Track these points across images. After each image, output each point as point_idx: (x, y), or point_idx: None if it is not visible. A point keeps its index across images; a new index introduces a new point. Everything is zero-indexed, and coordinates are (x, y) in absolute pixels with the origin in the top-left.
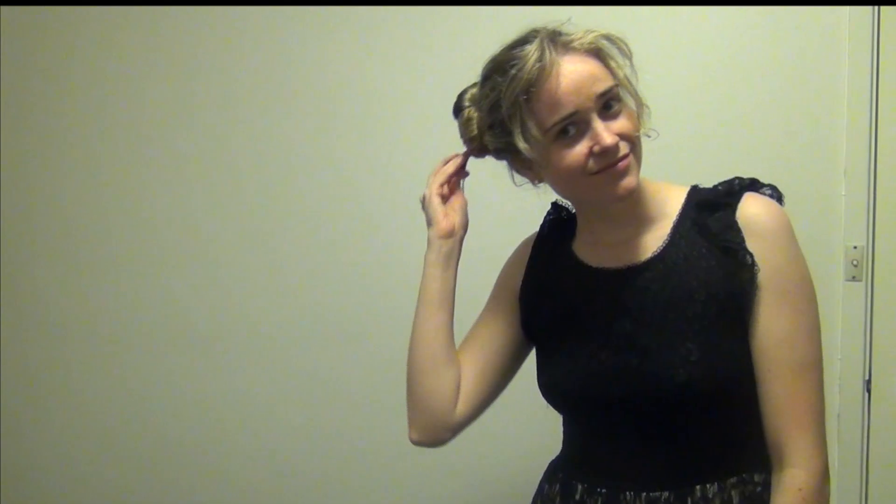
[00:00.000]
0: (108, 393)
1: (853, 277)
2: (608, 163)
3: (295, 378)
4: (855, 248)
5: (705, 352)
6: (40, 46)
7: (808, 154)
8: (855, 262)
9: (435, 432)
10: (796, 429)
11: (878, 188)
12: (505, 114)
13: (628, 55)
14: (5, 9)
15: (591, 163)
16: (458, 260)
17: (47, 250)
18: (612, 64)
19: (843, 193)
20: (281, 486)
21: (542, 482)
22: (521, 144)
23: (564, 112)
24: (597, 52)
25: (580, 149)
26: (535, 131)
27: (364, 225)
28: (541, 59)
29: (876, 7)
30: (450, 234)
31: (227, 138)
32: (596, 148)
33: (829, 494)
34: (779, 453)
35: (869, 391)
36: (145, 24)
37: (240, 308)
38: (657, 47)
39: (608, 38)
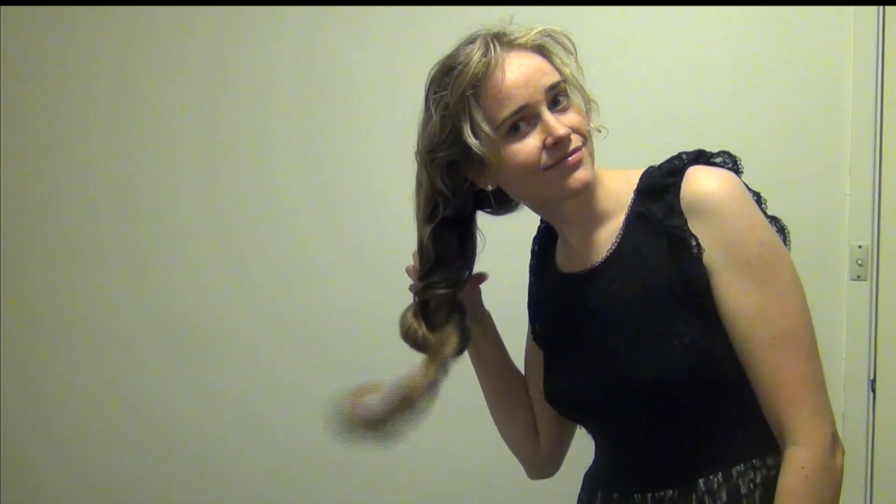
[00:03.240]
0: (109, 392)
1: (858, 277)
2: (561, 155)
3: (298, 376)
4: (860, 247)
5: (670, 345)
6: (40, 46)
7: (813, 153)
8: (860, 262)
9: (538, 470)
10: (789, 405)
11: (882, 187)
12: (452, 110)
13: (572, 51)
14: (5, 9)
15: (544, 157)
16: (482, 332)
17: (47, 249)
18: (557, 61)
19: (848, 192)
20: (284, 485)
21: (579, 493)
22: (471, 140)
23: (514, 106)
24: (540, 49)
25: (532, 142)
26: (485, 126)
27: (368, 223)
28: (486, 54)
29: (881, 7)
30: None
31: (229, 137)
32: (548, 140)
33: (840, 467)
34: (779, 433)
35: (874, 391)
36: (145, 25)
37: (242, 307)
38: (661, 46)
39: (551, 35)
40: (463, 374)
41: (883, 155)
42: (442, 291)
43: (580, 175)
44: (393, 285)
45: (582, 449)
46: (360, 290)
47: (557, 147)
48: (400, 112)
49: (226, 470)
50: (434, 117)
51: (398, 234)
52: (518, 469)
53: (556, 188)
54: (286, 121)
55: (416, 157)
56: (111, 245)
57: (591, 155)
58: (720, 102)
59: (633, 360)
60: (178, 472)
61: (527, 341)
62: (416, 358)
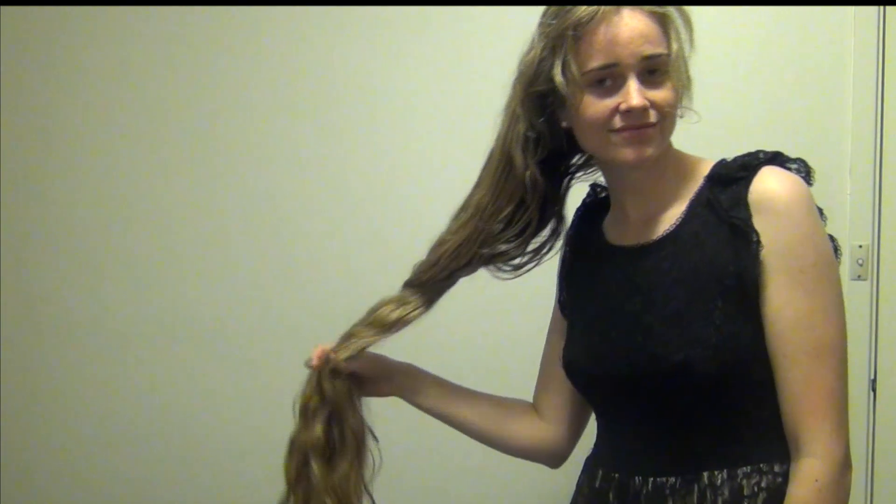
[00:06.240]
0: (109, 392)
1: (858, 276)
2: (631, 124)
3: (300, 377)
4: (860, 246)
5: (706, 332)
6: (40, 46)
7: (813, 153)
8: (860, 262)
9: (557, 457)
10: (813, 416)
11: (883, 187)
12: (551, 44)
13: (690, 32)
14: (5, 9)
15: (616, 119)
16: (413, 381)
17: (48, 248)
18: (672, 34)
19: (849, 192)
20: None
21: (579, 476)
22: (558, 78)
23: (605, 61)
24: (660, 17)
25: (609, 102)
26: (573, 69)
27: (371, 226)
28: (601, 3)
29: (881, 7)
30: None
31: (232, 137)
32: (623, 106)
33: (849, 485)
34: (795, 442)
35: (874, 391)
36: (147, 25)
37: (243, 307)
38: None
39: (678, 8)
40: (458, 371)
41: (883, 155)
42: (505, 246)
43: (640, 150)
44: (393, 286)
45: (574, 453)
46: (360, 291)
47: (629, 115)
48: (402, 113)
49: (228, 469)
50: (536, 46)
51: (398, 236)
52: (517, 462)
53: (615, 153)
54: (286, 122)
55: (513, 85)
56: (111, 245)
57: (664, 134)
58: (720, 102)
59: (667, 339)
60: (180, 471)
61: (552, 320)
62: (420, 358)
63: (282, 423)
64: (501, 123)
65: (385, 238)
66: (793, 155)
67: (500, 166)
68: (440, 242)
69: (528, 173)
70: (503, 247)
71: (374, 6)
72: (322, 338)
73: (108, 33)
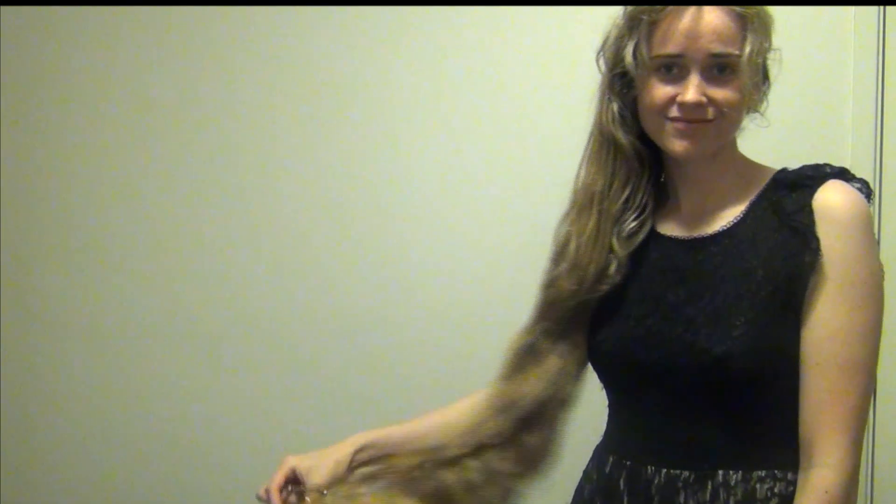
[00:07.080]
0: (110, 392)
1: None
2: (685, 117)
3: (297, 376)
4: None
5: (750, 329)
6: (40, 46)
7: (813, 155)
8: None
9: None
10: (833, 428)
11: (883, 189)
12: (627, 24)
13: (770, 38)
14: (5, 9)
15: (673, 108)
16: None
17: (49, 247)
18: (749, 36)
19: None
20: None
21: (586, 465)
22: (628, 58)
23: (673, 50)
24: (741, 18)
25: (669, 90)
26: (643, 52)
27: (368, 223)
28: (682, 4)
29: (881, 7)
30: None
31: (230, 136)
32: (679, 98)
33: (855, 500)
34: (809, 451)
35: (874, 391)
36: (146, 25)
37: (243, 306)
38: None
39: (760, 12)
40: (452, 365)
41: (883, 155)
42: (632, 224)
43: (688, 144)
44: (396, 287)
45: (580, 441)
46: (358, 291)
47: (683, 107)
48: (401, 113)
49: (228, 469)
50: (616, 28)
51: (401, 236)
52: None
53: (666, 141)
54: (292, 123)
55: (597, 63)
56: (112, 244)
57: (721, 133)
58: None
59: (709, 332)
60: (180, 471)
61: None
62: (418, 357)
63: (280, 424)
64: (596, 106)
65: (383, 238)
66: (792, 155)
67: (605, 149)
68: (564, 243)
69: (634, 149)
70: (632, 225)
71: (371, 6)
72: (321, 339)
73: (107, 33)
